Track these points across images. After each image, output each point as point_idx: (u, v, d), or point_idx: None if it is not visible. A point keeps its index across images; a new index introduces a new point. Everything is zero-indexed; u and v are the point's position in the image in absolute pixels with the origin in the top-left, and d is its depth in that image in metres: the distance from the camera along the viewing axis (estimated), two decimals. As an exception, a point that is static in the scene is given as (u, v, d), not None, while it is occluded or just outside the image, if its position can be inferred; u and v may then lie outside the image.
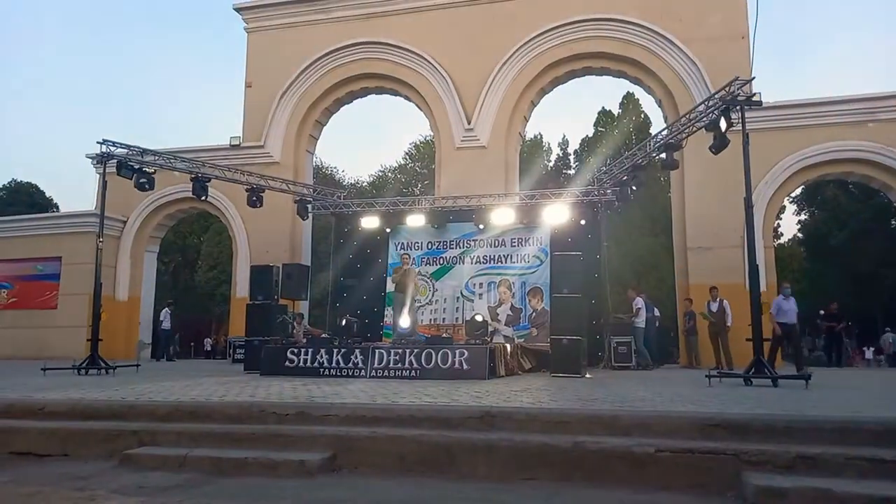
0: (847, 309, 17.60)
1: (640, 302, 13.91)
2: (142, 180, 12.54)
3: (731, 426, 4.56)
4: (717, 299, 13.32)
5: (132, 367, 11.93)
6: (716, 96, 10.09)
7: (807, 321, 35.04)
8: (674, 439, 4.45)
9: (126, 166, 12.35)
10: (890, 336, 17.85)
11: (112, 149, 12.29)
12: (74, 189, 76.27)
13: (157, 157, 13.24)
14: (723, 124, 9.48)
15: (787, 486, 3.76)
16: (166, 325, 18.39)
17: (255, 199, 14.16)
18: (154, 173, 13.00)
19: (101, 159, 12.36)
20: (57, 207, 36.62)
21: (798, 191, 25.54)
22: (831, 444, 4.22)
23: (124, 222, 18.83)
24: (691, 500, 3.88)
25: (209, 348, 31.47)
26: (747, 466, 4.07)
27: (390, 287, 14.72)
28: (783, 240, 35.43)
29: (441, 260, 14.53)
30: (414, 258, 14.44)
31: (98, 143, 12.13)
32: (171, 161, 13.57)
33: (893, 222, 24.46)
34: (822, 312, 16.71)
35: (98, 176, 15.26)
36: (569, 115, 66.80)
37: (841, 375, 11.29)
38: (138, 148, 12.76)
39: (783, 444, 4.26)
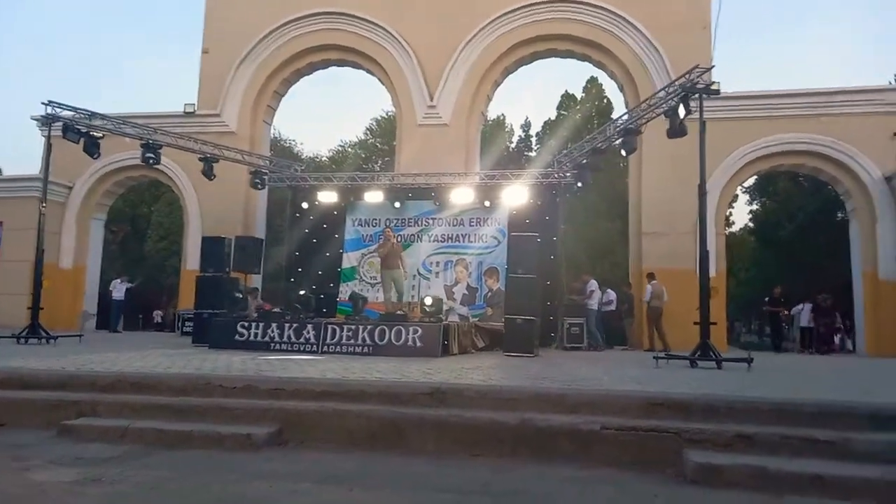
0: (793, 298, 18.11)
1: (593, 284, 14.13)
2: (90, 144, 12.08)
3: (674, 405, 4.67)
4: (652, 284, 13.97)
5: (74, 338, 11.59)
6: (676, 83, 10.21)
7: (753, 307, 36.20)
8: (619, 417, 4.54)
9: (72, 129, 11.88)
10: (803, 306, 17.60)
11: (58, 111, 11.79)
12: (19, 153, 73.20)
13: (105, 122, 12.76)
14: (681, 111, 9.60)
15: (724, 463, 3.88)
16: (117, 295, 17.85)
17: (208, 168, 13.81)
18: (102, 138, 12.54)
19: (46, 121, 11.86)
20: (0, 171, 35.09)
21: (751, 181, 26.16)
22: (768, 424, 4.37)
23: (70, 188, 18.15)
24: (634, 477, 3.97)
25: (159, 321, 30.75)
26: (688, 444, 4.18)
27: (347, 263, 14.63)
28: (735, 228, 36.38)
29: (398, 237, 14.43)
30: (360, 233, 14.39)
31: (43, 104, 11.65)
32: (121, 126, 13.10)
33: (839, 215, 25.28)
34: (766, 299, 17.20)
35: (43, 139, 14.64)
36: (533, 98, 66.97)
37: (782, 359, 11.69)
38: (86, 111, 12.27)
39: (723, 424, 4.38)
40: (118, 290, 17.78)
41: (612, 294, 14.92)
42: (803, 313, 17.11)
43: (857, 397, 5.14)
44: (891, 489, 3.56)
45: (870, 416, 4.40)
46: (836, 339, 21.12)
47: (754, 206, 36.13)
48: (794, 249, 29.38)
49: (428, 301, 11.02)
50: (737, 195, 27.96)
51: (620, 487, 3.75)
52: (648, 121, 11.40)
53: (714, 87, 9.84)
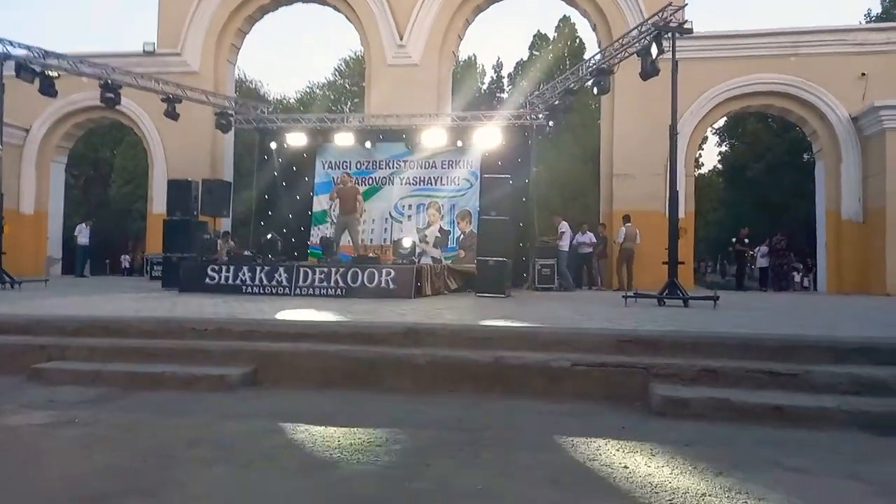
0: (759, 238, 18.48)
1: (564, 226, 14.23)
2: (45, 84, 11.59)
3: (642, 342, 4.79)
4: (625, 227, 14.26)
5: (40, 283, 11.39)
6: (648, 22, 10.07)
7: (721, 247, 36.89)
8: (589, 354, 4.64)
9: (26, 68, 11.38)
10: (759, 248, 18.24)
11: (10, 48, 11.25)
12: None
13: (61, 61, 12.20)
14: (654, 51, 9.51)
15: (689, 396, 4.01)
16: (82, 240, 17.49)
17: (171, 109, 13.37)
18: (58, 77, 12.02)
19: (-3, 59, 11.30)
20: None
21: (721, 122, 26.29)
22: (732, 359, 4.51)
23: (27, 131, 17.49)
24: (603, 410, 4.09)
25: (127, 266, 30.33)
26: (655, 379, 4.30)
27: (317, 206, 14.45)
28: (704, 170, 36.73)
29: (370, 180, 14.28)
30: (331, 175, 14.16)
31: (-7, 41, 11.09)
32: (78, 65, 12.55)
33: (806, 156, 25.65)
34: (733, 239, 17.55)
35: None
36: (504, 38, 65.65)
37: (746, 297, 12.02)
38: (40, 49, 11.72)
39: (689, 359, 4.52)
40: (83, 234, 17.42)
41: (590, 236, 15.08)
42: (760, 254, 17.68)
43: (818, 332, 5.32)
44: (847, 418, 3.73)
45: (830, 349, 4.57)
46: (797, 277, 21.79)
47: (723, 148, 36.47)
48: (762, 190, 29.87)
49: (406, 243, 11.02)
50: (706, 137, 28.17)
51: (589, 420, 3.86)
52: (621, 60, 11.28)
53: (687, 25, 9.72)
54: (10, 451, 3.07)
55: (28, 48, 11.54)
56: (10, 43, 11.24)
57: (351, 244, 12.85)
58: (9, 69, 11.35)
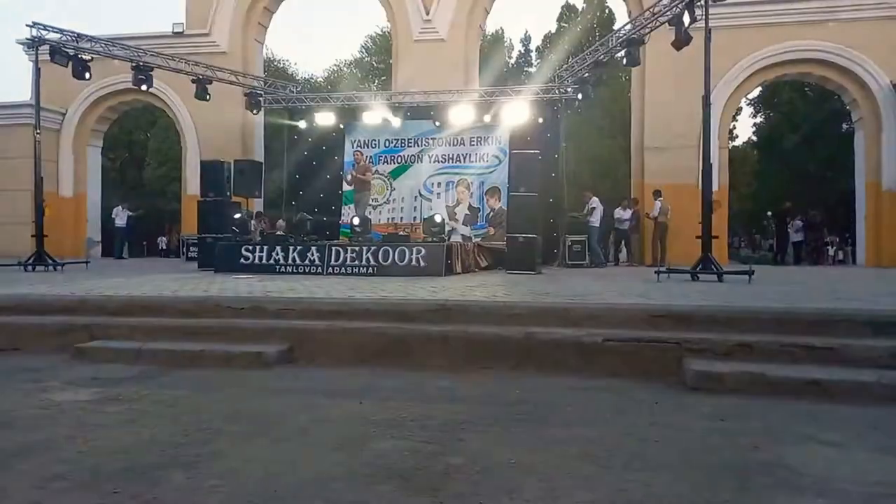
0: (797, 212, 18.13)
1: (595, 202, 14.09)
2: (78, 67, 11.80)
3: (675, 317, 4.75)
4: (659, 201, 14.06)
5: (81, 265, 11.69)
6: (680, -10, 9.82)
7: (755, 220, 36.19)
8: (621, 330, 4.62)
9: (60, 52, 11.58)
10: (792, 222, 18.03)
11: (44, 33, 11.48)
12: (7, 80, 71.39)
13: (93, 44, 12.40)
14: (686, 19, 9.30)
15: (724, 370, 3.98)
16: (120, 222, 17.88)
17: (202, 90, 13.51)
18: (91, 61, 12.22)
19: (32, 44, 11.53)
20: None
21: (756, 92, 25.62)
22: (768, 333, 4.45)
23: (63, 114, 17.86)
24: (635, 386, 4.08)
25: (163, 247, 30.91)
26: (689, 354, 4.27)
27: (347, 185, 14.53)
28: (738, 142, 35.86)
29: (399, 158, 14.30)
30: (369, 157, 14.21)
31: (28, 26, 11.31)
32: (110, 48, 12.73)
33: (844, 126, 24.85)
34: (769, 213, 17.26)
35: (31, 64, 14.27)
36: (532, 12, 64.60)
37: (782, 272, 11.81)
38: (72, 32, 11.92)
39: (723, 333, 4.47)
40: (120, 217, 17.80)
41: (628, 211, 14.90)
42: (794, 229, 17.40)
43: (856, 305, 5.21)
44: (885, 392, 3.67)
45: (869, 322, 4.48)
46: (831, 250, 21.46)
47: (758, 119, 35.53)
48: (798, 162, 29.08)
49: (437, 218, 11.05)
50: (741, 108, 27.47)
51: (622, 395, 3.86)
52: (652, 30, 11.05)
53: (721, -8, 9.49)
54: (58, 426, 3.18)
55: (61, 31, 11.74)
56: (44, 27, 11.44)
57: (384, 223, 12.97)
58: (43, 54, 11.56)
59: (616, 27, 18.45)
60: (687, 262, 9.27)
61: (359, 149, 14.18)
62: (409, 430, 3.12)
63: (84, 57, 12.02)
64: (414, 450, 2.83)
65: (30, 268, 10.61)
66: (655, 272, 8.97)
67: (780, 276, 10.24)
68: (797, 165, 29.05)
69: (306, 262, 9.82)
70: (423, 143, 14.21)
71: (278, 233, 11.83)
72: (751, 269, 8.40)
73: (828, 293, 6.79)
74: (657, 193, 14.22)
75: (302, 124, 14.64)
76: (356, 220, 11.22)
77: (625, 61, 11.55)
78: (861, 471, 2.62)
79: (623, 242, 15.15)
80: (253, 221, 12.96)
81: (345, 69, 37.83)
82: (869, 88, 14.54)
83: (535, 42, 36.44)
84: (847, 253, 22.84)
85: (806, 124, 28.45)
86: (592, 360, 4.44)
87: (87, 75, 12.20)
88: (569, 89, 13.07)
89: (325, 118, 14.29)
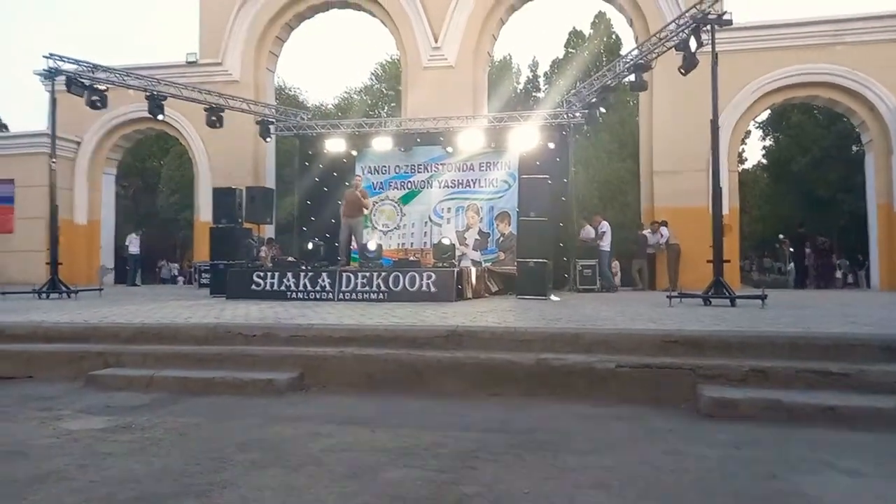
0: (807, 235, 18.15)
1: (605, 226, 14.10)
2: (94, 98, 12.02)
3: (688, 342, 4.72)
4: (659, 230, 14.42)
5: (94, 292, 11.77)
6: (686, 14, 9.92)
7: (766, 244, 35.98)
8: (633, 355, 4.59)
9: (76, 83, 11.80)
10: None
11: (60, 64, 11.71)
12: (26, 110, 72.64)
13: (109, 74, 12.64)
14: (693, 44, 9.37)
15: (738, 397, 3.93)
16: (133, 249, 18.06)
17: (214, 118, 13.71)
18: (106, 91, 12.44)
19: (48, 75, 11.76)
20: (6, 128, 34.97)
21: (764, 115, 25.66)
22: (783, 359, 4.41)
23: (78, 143, 18.14)
24: (648, 412, 4.04)
25: (175, 273, 31.12)
26: (702, 380, 4.23)
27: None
28: (748, 165, 35.82)
29: (409, 184, 14.38)
30: (378, 182, 14.26)
31: (45, 57, 11.55)
32: (125, 78, 12.97)
33: (854, 148, 24.79)
34: (781, 236, 17.24)
35: (48, 94, 14.56)
36: (539, 37, 65.21)
37: (795, 295, 11.72)
38: (88, 63, 12.15)
39: (737, 359, 4.43)
40: (134, 244, 17.99)
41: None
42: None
43: (871, 330, 5.16)
44: (904, 418, 3.62)
45: (884, 347, 4.43)
46: (838, 274, 21.46)
47: (767, 142, 35.49)
48: (808, 184, 28.98)
49: (447, 243, 11.06)
50: (749, 131, 27.51)
51: (635, 423, 3.82)
52: (659, 55, 11.14)
53: (726, 17, 9.52)
54: (71, 455, 3.19)
55: (77, 62, 11.96)
56: (61, 58, 11.68)
57: (394, 248, 12.94)
58: (59, 84, 11.77)
59: (623, 52, 18.60)
60: (699, 286, 9.22)
61: (358, 174, 14.02)
62: (421, 459, 3.10)
63: (99, 87, 12.23)
64: (427, 479, 2.81)
65: (44, 295, 10.69)
66: (667, 297, 8.92)
67: (793, 300, 10.15)
68: (807, 188, 28.93)
69: (317, 288, 9.86)
70: (433, 168, 14.29)
71: (289, 258, 11.88)
72: (764, 294, 8.34)
73: (841, 318, 6.72)
74: (663, 223, 14.35)
75: (312, 151, 14.78)
76: (372, 245, 11.22)
77: (632, 86, 11.62)
78: (881, 498, 2.57)
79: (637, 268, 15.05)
80: (264, 248, 13.03)
81: (355, 96, 38.26)
82: (878, 111, 14.56)
83: (543, 68, 36.74)
84: (860, 276, 22.72)
85: (815, 147, 28.39)
86: (605, 386, 4.41)
87: (101, 105, 12.39)
88: (577, 114, 13.15)
89: (336, 145, 14.43)
